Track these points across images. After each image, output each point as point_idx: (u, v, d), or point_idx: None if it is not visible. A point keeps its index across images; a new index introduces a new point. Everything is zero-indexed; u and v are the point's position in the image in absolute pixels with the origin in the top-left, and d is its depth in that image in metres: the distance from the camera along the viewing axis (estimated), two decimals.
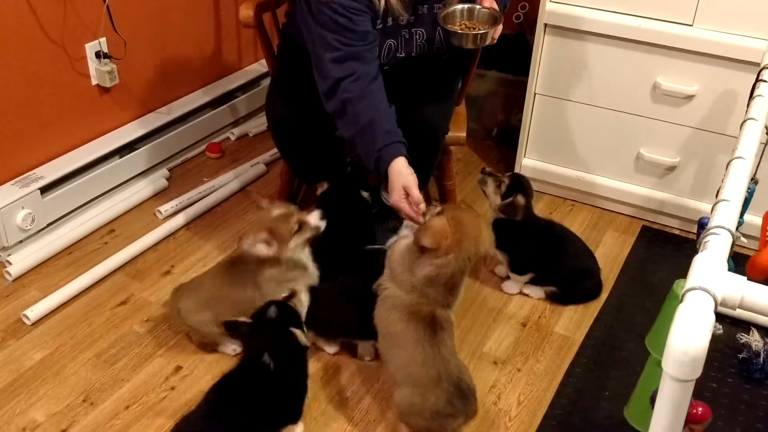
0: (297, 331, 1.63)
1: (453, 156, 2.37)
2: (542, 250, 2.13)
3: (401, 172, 1.81)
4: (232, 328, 1.67)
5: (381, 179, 2.21)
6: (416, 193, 1.80)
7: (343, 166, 2.27)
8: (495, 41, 1.92)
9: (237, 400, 1.56)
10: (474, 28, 1.91)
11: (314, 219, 1.89)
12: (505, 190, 2.10)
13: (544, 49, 2.39)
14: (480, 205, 2.56)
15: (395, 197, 1.82)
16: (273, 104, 2.08)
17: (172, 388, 1.84)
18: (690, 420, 1.45)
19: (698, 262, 1.01)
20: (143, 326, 2.02)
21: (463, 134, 2.23)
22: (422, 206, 1.81)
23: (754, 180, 1.92)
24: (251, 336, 1.64)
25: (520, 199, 2.07)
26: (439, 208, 1.76)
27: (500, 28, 1.91)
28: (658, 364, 1.63)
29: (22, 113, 2.21)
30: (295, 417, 1.68)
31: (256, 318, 1.64)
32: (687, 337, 0.89)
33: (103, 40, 2.36)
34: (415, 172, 2.12)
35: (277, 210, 1.87)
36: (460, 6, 1.92)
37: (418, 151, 1.99)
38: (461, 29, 1.90)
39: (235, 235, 2.38)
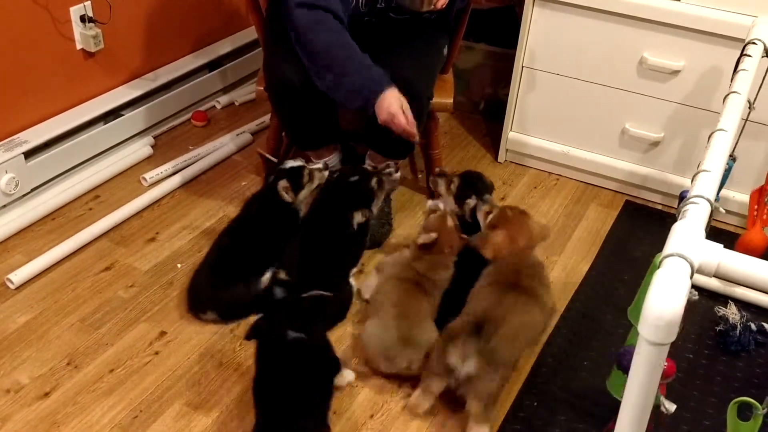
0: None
1: (440, 125, 2.37)
2: None
3: (397, 96, 1.87)
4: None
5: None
6: (410, 114, 1.88)
7: (339, 133, 2.24)
8: (436, 6, 1.92)
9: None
10: None
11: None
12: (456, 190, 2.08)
13: (533, 22, 2.39)
14: None
15: (394, 109, 1.84)
16: (273, 67, 2.06)
17: (156, 353, 1.85)
18: None
19: (676, 229, 1.02)
20: (128, 292, 2.03)
21: (450, 101, 2.23)
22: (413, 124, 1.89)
23: (732, 157, 1.94)
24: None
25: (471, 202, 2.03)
26: (487, 208, 1.94)
27: None
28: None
29: (6, 77, 2.19)
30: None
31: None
32: (663, 301, 0.91)
33: (88, 3, 2.33)
34: (399, 138, 2.10)
35: None
36: None
37: None
38: None
39: (220, 204, 2.38)
